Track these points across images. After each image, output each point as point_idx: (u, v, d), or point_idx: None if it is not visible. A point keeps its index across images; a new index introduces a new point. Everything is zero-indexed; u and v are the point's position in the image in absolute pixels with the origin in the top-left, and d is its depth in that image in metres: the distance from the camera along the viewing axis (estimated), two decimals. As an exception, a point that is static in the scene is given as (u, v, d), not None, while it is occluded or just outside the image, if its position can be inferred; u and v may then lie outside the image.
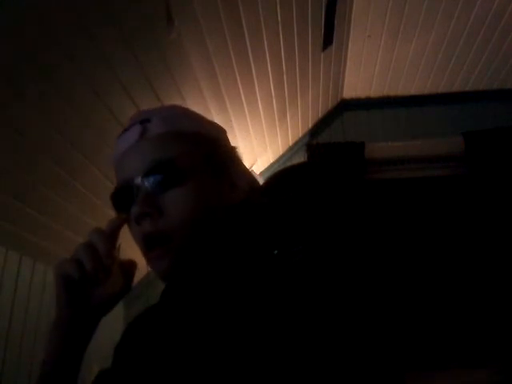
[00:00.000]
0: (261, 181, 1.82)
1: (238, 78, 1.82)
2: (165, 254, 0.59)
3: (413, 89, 2.69)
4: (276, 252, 0.61)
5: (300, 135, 2.67)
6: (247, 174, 0.70)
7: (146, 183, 0.59)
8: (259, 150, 2.40)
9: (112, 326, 1.96)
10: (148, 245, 0.60)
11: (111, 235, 0.59)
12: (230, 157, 0.67)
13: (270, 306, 0.53)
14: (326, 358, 0.50)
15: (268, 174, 2.52)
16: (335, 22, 2.04)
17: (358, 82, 2.65)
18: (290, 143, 2.65)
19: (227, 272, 0.60)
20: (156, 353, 0.58)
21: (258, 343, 0.50)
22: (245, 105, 2.00)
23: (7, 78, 1.12)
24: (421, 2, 2.09)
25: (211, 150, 0.65)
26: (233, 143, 0.72)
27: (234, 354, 0.50)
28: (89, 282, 0.58)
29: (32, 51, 1.11)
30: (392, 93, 2.72)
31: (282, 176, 0.80)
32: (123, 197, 0.61)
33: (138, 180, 0.60)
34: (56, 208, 1.55)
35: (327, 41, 2.13)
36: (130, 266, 0.64)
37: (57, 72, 1.21)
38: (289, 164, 2.46)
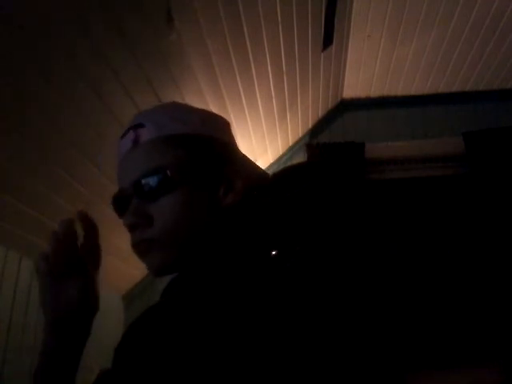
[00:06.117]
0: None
1: (237, 78, 1.82)
2: (149, 248, 0.61)
3: (413, 89, 2.69)
4: (274, 252, 0.61)
5: (300, 135, 2.67)
6: (247, 170, 0.69)
7: (136, 193, 0.61)
8: (259, 150, 2.40)
9: (112, 327, 1.97)
10: (138, 250, 0.62)
11: (62, 237, 0.61)
12: (226, 155, 0.66)
13: (269, 307, 0.53)
14: (326, 359, 0.50)
15: (268, 174, 2.52)
16: (335, 21, 2.04)
17: (358, 82, 2.65)
18: (290, 143, 2.65)
19: (225, 273, 0.60)
20: (156, 354, 0.58)
21: (259, 344, 0.50)
22: (245, 105, 2.00)
23: (7, 78, 1.12)
24: (421, 2, 2.09)
25: (205, 151, 0.64)
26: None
27: (235, 354, 0.50)
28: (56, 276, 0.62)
29: (32, 51, 1.11)
30: (392, 93, 2.72)
31: (282, 176, 0.80)
32: (119, 204, 0.63)
33: (130, 190, 0.61)
34: (56, 208, 1.55)
35: (327, 41, 2.13)
36: (94, 251, 0.67)
37: (57, 72, 1.21)
38: (289, 164, 2.46)
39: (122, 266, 1.98)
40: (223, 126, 0.70)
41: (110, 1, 1.17)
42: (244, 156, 0.72)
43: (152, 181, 0.60)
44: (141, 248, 0.61)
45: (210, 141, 0.65)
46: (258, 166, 0.74)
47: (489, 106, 2.64)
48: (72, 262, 0.63)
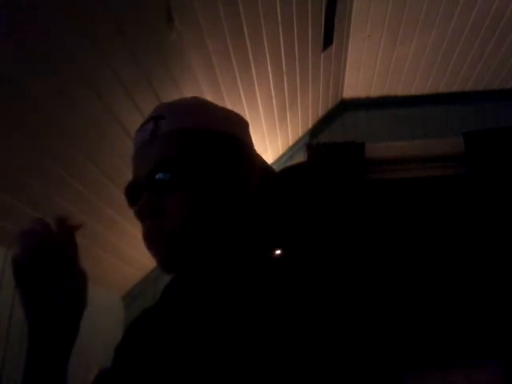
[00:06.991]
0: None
1: (237, 78, 1.82)
2: (159, 240, 0.60)
3: (413, 89, 2.69)
4: (278, 252, 0.61)
5: (300, 135, 2.67)
6: (262, 171, 0.68)
7: (151, 183, 0.60)
8: (259, 150, 2.39)
9: (112, 327, 1.97)
10: (148, 241, 0.62)
11: (39, 233, 0.61)
12: (242, 154, 0.66)
13: (270, 306, 0.53)
14: (327, 359, 0.50)
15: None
16: (335, 21, 2.04)
17: (358, 82, 2.65)
18: (290, 143, 2.65)
19: (226, 272, 0.60)
20: (157, 353, 0.58)
21: (259, 344, 0.50)
22: (245, 105, 2.00)
23: (7, 78, 1.12)
24: (421, 2, 2.09)
25: (222, 148, 0.64)
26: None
27: (235, 354, 0.50)
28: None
29: (32, 51, 1.11)
30: (392, 93, 2.72)
31: (282, 176, 0.80)
32: (132, 194, 0.63)
33: (144, 179, 0.61)
34: (56, 208, 1.55)
35: (327, 41, 2.13)
36: (70, 246, 0.66)
37: (57, 72, 1.21)
38: (289, 164, 2.46)
39: (122, 266, 1.98)
40: (242, 126, 0.70)
41: (110, 1, 1.17)
42: (260, 157, 0.72)
43: (167, 173, 0.60)
44: (151, 239, 0.61)
45: (228, 138, 0.65)
46: (271, 167, 0.74)
47: (489, 105, 2.64)
48: (51, 259, 0.61)
